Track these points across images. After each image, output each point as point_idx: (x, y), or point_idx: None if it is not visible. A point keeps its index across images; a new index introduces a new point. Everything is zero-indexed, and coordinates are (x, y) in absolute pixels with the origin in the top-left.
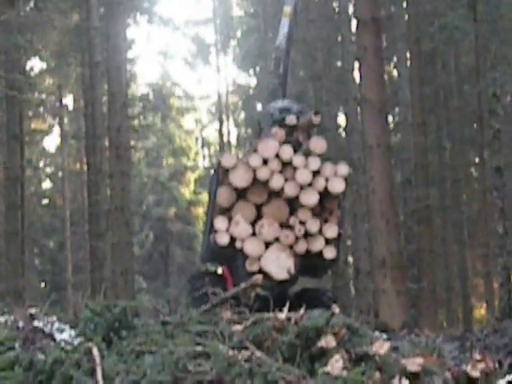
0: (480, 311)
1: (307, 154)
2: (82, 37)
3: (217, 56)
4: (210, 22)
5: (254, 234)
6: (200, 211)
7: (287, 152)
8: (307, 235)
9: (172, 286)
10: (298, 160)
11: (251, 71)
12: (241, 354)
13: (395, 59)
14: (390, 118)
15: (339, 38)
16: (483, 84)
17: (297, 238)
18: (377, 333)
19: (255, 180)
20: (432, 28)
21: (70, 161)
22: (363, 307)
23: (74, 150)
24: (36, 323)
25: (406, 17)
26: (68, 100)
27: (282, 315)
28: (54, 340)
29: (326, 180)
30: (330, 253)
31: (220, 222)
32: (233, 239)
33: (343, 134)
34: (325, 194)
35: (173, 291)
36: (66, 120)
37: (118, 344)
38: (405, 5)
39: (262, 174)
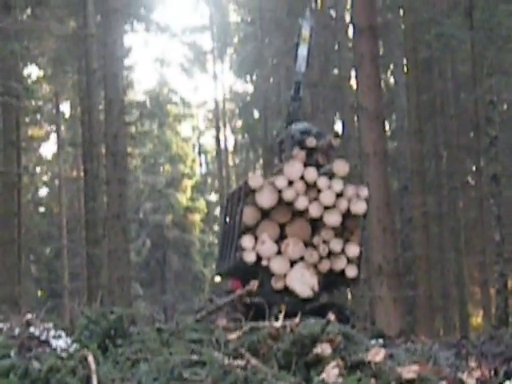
0: (477, 318)
1: (331, 175)
2: (79, 44)
3: (214, 63)
4: (207, 29)
5: (278, 252)
6: (197, 218)
7: (312, 174)
8: (330, 254)
9: (169, 293)
10: (322, 182)
11: (248, 78)
12: (236, 361)
13: (392, 67)
14: (387, 126)
15: (336, 46)
16: (480, 91)
17: (320, 257)
18: (373, 340)
19: (280, 200)
20: (429, 36)
21: (67, 168)
22: (360, 314)
23: (71, 157)
24: (32, 330)
25: (403, 24)
26: (65, 107)
27: (278, 323)
28: (50, 347)
29: (349, 201)
30: (351, 271)
31: (247, 241)
32: (259, 257)
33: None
34: (346, 215)
35: (169, 298)
36: (62, 127)
37: (113, 351)
38: (402, 12)
39: (288, 195)
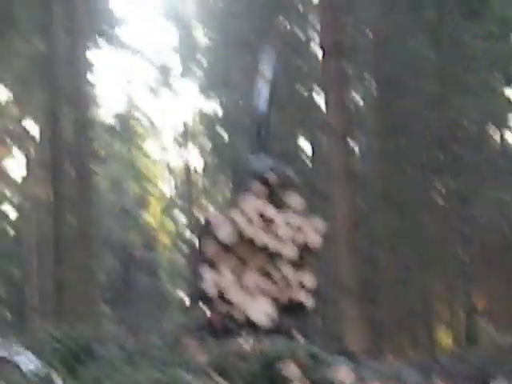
0: (444, 337)
1: (287, 210)
2: (46, 64)
3: (182, 83)
4: (176, 49)
5: (239, 284)
6: (165, 238)
7: (269, 210)
8: (288, 285)
9: (136, 313)
10: (280, 217)
11: (216, 99)
12: (203, 381)
13: (359, 87)
14: (354, 145)
15: (304, 67)
16: (445, 110)
17: (278, 288)
18: (340, 359)
19: (240, 235)
20: (395, 55)
21: (35, 189)
22: (327, 333)
23: (39, 178)
24: None
25: (370, 44)
26: (32, 127)
27: (245, 343)
28: (18, 367)
29: (305, 235)
30: (308, 301)
31: (208, 274)
32: (220, 289)
33: (307, 162)
34: (303, 247)
35: (137, 318)
36: (30, 148)
37: (79, 371)
38: (368, 32)
39: (247, 230)
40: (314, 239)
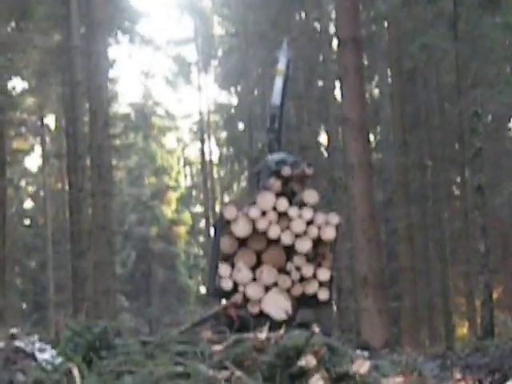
0: (462, 329)
1: (301, 204)
2: (63, 56)
3: (198, 75)
4: (192, 41)
5: (254, 279)
6: (182, 230)
7: (283, 204)
8: (302, 279)
9: (154, 305)
10: (293, 211)
11: (232, 90)
12: (221, 373)
13: (376, 78)
14: (372, 137)
15: (320, 57)
16: (464, 103)
17: (293, 282)
18: (358, 351)
19: (255, 230)
20: (413, 47)
21: (52, 180)
22: (345, 326)
23: (56, 170)
24: (17, 343)
25: (387, 36)
26: (49, 119)
27: (262, 335)
28: (35, 360)
29: (319, 228)
30: (323, 295)
31: (224, 269)
32: (236, 284)
33: (325, 153)
34: (318, 241)
35: (154, 310)
36: (47, 139)
37: (98, 364)
38: (386, 24)
39: (261, 224)
40: (328, 233)
